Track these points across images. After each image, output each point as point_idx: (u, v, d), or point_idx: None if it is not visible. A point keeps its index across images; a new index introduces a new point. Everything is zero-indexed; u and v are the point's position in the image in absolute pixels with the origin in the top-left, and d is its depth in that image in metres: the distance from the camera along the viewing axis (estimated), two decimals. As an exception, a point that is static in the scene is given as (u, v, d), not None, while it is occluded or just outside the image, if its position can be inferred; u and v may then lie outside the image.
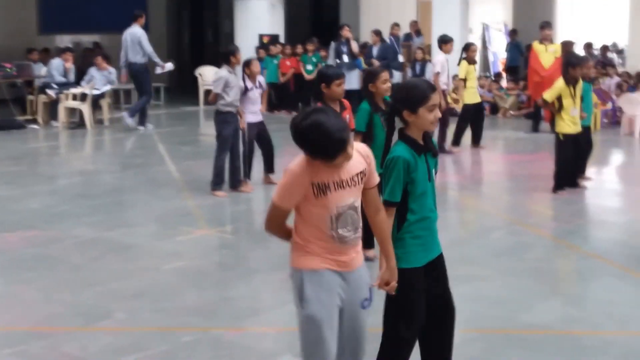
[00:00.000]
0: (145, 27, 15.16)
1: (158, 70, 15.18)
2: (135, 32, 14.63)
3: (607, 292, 5.62)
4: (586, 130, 9.23)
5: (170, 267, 6.28)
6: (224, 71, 8.77)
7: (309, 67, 17.47)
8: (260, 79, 9.31)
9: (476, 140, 12.60)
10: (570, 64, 8.81)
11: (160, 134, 14.26)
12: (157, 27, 24.79)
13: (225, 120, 8.79)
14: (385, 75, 6.14)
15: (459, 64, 12.38)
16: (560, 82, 8.83)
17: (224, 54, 8.91)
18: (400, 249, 3.62)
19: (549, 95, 8.89)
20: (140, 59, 14.66)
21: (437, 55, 12.58)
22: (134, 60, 14.62)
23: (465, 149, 12.38)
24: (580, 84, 8.88)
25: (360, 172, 3.33)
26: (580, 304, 5.47)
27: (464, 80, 12.22)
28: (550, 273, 6.14)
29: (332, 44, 17.04)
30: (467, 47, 12.39)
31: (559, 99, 8.77)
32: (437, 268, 3.76)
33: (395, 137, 3.72)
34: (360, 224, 3.38)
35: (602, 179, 10.21)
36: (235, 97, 8.76)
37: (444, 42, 12.25)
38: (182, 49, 25.88)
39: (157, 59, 14.80)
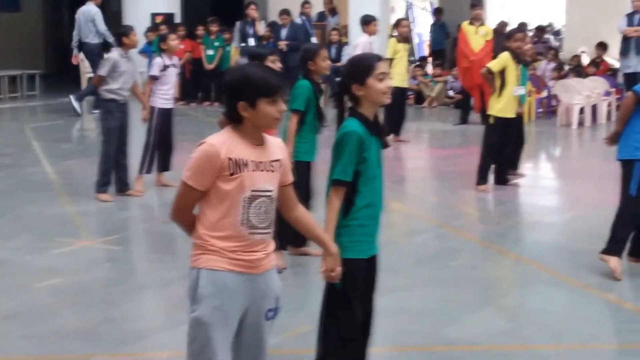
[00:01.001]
0: (16, 5, 15.09)
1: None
2: (90, 10, 15.33)
3: (540, 302, 5.77)
4: (518, 119, 9.43)
5: (45, 284, 6.14)
6: (114, 53, 8.71)
7: (210, 52, 17.38)
8: (175, 58, 9.28)
9: (396, 131, 12.73)
10: (510, 35, 9.12)
11: (35, 130, 13.96)
12: (31, 5, 24.28)
13: (108, 110, 8.68)
14: (325, 52, 6.46)
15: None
16: (505, 54, 9.01)
17: (116, 35, 8.93)
18: (346, 237, 3.75)
19: (495, 64, 9.04)
20: (93, 38, 15.35)
21: (360, 37, 12.69)
22: (87, 40, 15.30)
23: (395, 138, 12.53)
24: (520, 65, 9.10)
25: (278, 160, 3.39)
26: (511, 315, 5.60)
27: (391, 60, 12.31)
28: (479, 281, 6.26)
29: (237, 25, 17.02)
30: (398, 23, 12.52)
31: (502, 73, 8.93)
32: (373, 267, 3.93)
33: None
34: (273, 222, 3.41)
35: (537, 175, 10.49)
36: (124, 84, 8.65)
37: (366, 22, 12.37)
38: (61, 30, 25.38)
39: (111, 39, 14.98)
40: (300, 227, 3.58)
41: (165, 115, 9.08)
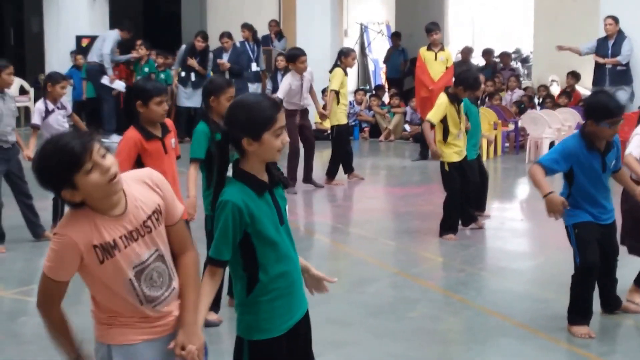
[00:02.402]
0: None
1: (104, 80, 16.96)
2: (110, 33, 17.21)
3: (503, 357, 5.83)
4: (478, 157, 9.55)
5: (-50, 341, 6.06)
6: None
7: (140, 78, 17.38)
8: (64, 99, 9.25)
9: (349, 169, 12.85)
10: (462, 82, 8.98)
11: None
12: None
13: None
14: (231, 91, 6.28)
15: (331, 71, 12.58)
16: (443, 99, 9.04)
17: None
18: (252, 316, 3.58)
19: (434, 116, 9.05)
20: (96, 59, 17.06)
21: (286, 77, 12.40)
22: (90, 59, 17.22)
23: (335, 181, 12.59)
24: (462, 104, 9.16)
25: (154, 212, 3.27)
26: (473, 372, 5.64)
27: (337, 92, 12.35)
28: (438, 335, 6.30)
29: (183, 48, 17.13)
30: (347, 54, 12.53)
31: (444, 120, 8.99)
32: (300, 333, 3.73)
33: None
34: (174, 273, 3.36)
35: (503, 216, 10.59)
36: (5, 127, 8.54)
37: (292, 58, 11.97)
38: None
39: (108, 65, 16.66)
40: (179, 274, 3.41)
41: None
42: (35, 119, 8.96)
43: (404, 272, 7.96)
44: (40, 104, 9.04)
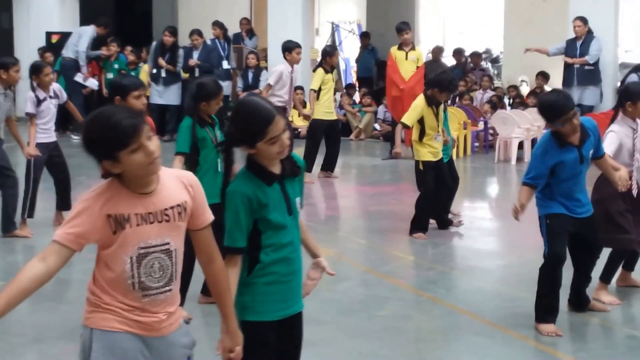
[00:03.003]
0: None
1: (77, 78, 16.88)
2: (87, 29, 17.28)
3: (473, 354, 5.88)
4: (449, 161, 9.58)
5: None
6: None
7: (110, 75, 17.31)
8: (56, 86, 9.28)
9: (328, 167, 12.86)
10: (438, 84, 8.95)
11: None
12: None
13: None
14: (222, 95, 6.47)
15: (314, 70, 12.66)
16: (420, 101, 9.06)
17: None
18: (248, 296, 3.65)
19: (408, 118, 9.07)
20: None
21: (279, 65, 12.71)
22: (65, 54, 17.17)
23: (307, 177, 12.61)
24: (441, 105, 9.18)
25: (178, 206, 3.30)
26: (443, 370, 5.69)
27: (318, 91, 12.40)
28: (408, 333, 6.35)
29: (154, 44, 17.08)
30: (331, 53, 12.58)
31: (420, 121, 9.01)
32: (292, 328, 3.82)
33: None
34: (177, 277, 3.35)
35: (472, 215, 10.65)
36: None
37: (288, 49, 12.35)
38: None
39: (83, 62, 16.64)
40: (210, 285, 3.50)
41: (45, 149, 9.04)
42: (29, 108, 8.94)
43: (375, 270, 8.00)
44: (31, 93, 9.04)
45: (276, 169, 3.69)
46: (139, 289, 3.25)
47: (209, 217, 3.42)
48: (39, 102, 8.96)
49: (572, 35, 15.01)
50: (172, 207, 3.28)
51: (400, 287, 7.50)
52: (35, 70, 9.07)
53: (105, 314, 3.26)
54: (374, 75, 20.34)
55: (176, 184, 3.33)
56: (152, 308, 3.29)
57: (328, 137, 12.80)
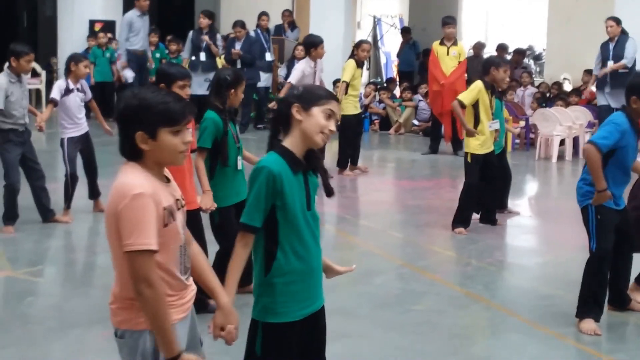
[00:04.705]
0: None
1: (118, 65, 16.99)
2: (125, 17, 16.90)
3: (508, 352, 5.82)
4: (501, 154, 9.49)
5: (-43, 320, 6.08)
6: (2, 78, 8.54)
7: (153, 65, 17.34)
8: (84, 83, 9.33)
9: (353, 161, 12.84)
10: (494, 63, 8.99)
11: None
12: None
13: (7, 139, 8.62)
14: (243, 86, 6.41)
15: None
16: (478, 83, 8.96)
17: (8, 52, 8.59)
18: (268, 297, 3.58)
19: (466, 97, 8.97)
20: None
21: (300, 62, 12.57)
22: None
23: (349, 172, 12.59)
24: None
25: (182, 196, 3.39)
26: (478, 366, 5.64)
27: (347, 84, 12.31)
28: (444, 328, 6.29)
29: (190, 35, 17.04)
30: (359, 46, 12.53)
31: (475, 105, 8.93)
32: (317, 325, 3.73)
33: None
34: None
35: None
36: (20, 113, 8.61)
37: (314, 45, 12.16)
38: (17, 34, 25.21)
39: (122, 52, 16.60)
40: (196, 264, 3.46)
41: (76, 144, 9.11)
42: (54, 94, 9.02)
43: (411, 264, 7.95)
44: (61, 82, 9.12)
45: (302, 160, 3.65)
46: (183, 273, 3.30)
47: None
48: (66, 92, 9.00)
49: (615, 34, 14.72)
50: (180, 194, 3.36)
51: (437, 282, 7.45)
52: (76, 59, 9.13)
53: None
54: (415, 69, 20.27)
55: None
56: (189, 288, 3.35)
57: (355, 130, 12.81)
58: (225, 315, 3.42)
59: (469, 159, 9.04)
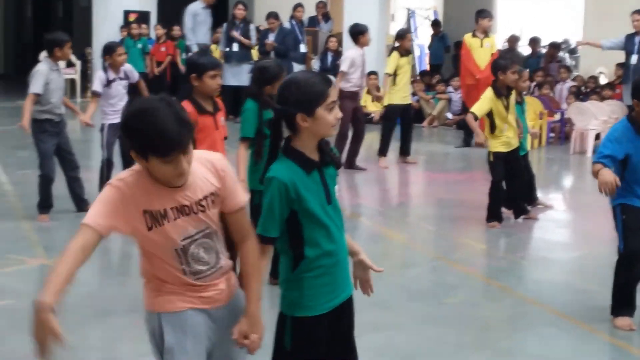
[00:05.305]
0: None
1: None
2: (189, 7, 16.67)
3: (541, 345, 5.80)
4: (523, 156, 9.44)
5: (-6, 306, 6.15)
6: (43, 65, 8.63)
7: (184, 55, 17.41)
8: (128, 67, 9.37)
9: (404, 152, 12.88)
10: (500, 67, 8.84)
11: (-10, 134, 13.96)
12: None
13: (43, 130, 8.70)
14: (284, 76, 6.33)
15: (389, 55, 12.65)
16: (489, 93, 8.88)
17: (47, 41, 8.69)
18: (296, 291, 3.56)
19: (478, 109, 8.93)
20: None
21: (349, 50, 12.72)
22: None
23: (374, 164, 12.59)
24: (513, 95, 9.01)
25: (211, 194, 3.26)
26: (510, 359, 5.63)
27: (393, 75, 12.38)
28: (477, 321, 6.30)
29: (224, 26, 17.07)
30: (402, 36, 12.56)
31: (490, 115, 8.88)
32: (343, 316, 3.71)
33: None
34: (223, 250, 3.36)
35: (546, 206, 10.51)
36: (57, 101, 8.70)
37: (362, 32, 12.27)
38: (24, 27, 25.42)
39: (189, 42, 16.41)
40: (241, 263, 3.43)
41: (116, 131, 9.15)
42: (96, 86, 9.14)
43: (445, 257, 7.96)
44: (101, 73, 9.21)
45: (315, 156, 3.57)
46: (189, 274, 3.27)
47: (241, 200, 3.38)
48: (108, 82, 9.08)
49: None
50: (205, 197, 3.24)
51: (470, 275, 7.45)
52: (109, 50, 9.19)
53: (169, 296, 3.28)
54: (442, 62, 20.27)
55: (206, 170, 3.27)
56: (208, 285, 3.32)
57: (402, 121, 12.81)
58: (251, 325, 3.39)
59: (491, 158, 9.02)
